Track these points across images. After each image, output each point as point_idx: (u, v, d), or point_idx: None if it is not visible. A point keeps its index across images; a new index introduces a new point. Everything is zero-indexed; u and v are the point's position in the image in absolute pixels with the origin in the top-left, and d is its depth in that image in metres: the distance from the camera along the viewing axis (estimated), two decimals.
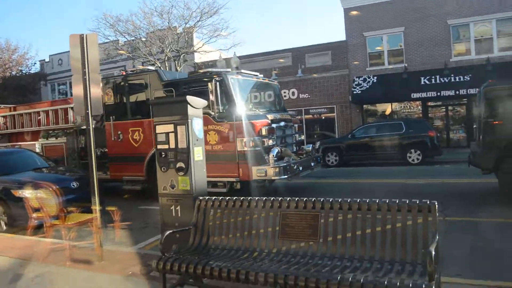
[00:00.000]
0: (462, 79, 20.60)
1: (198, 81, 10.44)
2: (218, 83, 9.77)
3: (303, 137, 12.99)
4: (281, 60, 25.71)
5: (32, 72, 33.49)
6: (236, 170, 9.83)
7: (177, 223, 5.50)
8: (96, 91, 6.15)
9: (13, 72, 31.30)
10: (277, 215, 4.31)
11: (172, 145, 5.59)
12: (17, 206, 8.12)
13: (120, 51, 26.30)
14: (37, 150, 13.18)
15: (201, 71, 11.06)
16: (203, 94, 10.04)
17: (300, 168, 10.40)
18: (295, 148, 11.48)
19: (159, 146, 5.73)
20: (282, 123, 10.95)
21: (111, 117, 11.95)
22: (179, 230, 4.99)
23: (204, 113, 9.73)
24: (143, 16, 25.31)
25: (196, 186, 5.51)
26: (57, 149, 13.31)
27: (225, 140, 9.94)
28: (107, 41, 26.04)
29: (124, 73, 13.21)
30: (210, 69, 10.72)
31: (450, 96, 20.69)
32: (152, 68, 12.49)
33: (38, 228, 7.43)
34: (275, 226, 4.30)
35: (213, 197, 4.76)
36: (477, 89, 10.92)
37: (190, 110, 5.54)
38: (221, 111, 9.85)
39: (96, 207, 5.99)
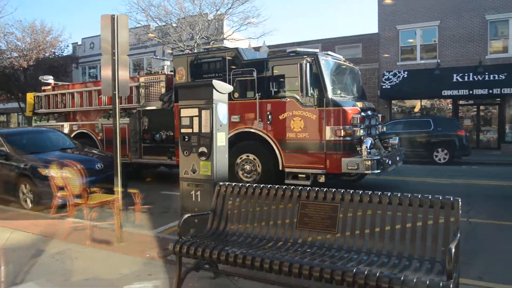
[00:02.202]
0: (496, 78, 19.90)
1: (284, 62, 9.74)
2: (309, 64, 8.94)
3: (385, 128, 12.03)
4: None
5: (65, 54, 34.06)
6: (323, 162, 9.02)
7: (196, 208, 5.54)
8: (124, 73, 6.19)
9: (46, 54, 31.89)
10: (296, 204, 4.26)
11: (196, 130, 5.61)
12: (43, 185, 8.27)
13: (150, 35, 26.49)
14: (97, 131, 12.88)
15: (287, 50, 10.20)
16: (289, 76, 9.54)
17: (390, 163, 9.57)
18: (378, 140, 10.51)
19: (182, 130, 5.76)
20: (370, 112, 10.14)
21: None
22: (197, 214, 5.03)
23: (290, 97, 9.59)
24: (175, 2, 25.43)
25: (217, 171, 5.53)
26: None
27: (313, 128, 9.17)
28: (138, 25, 26.29)
29: (189, 52, 12.20)
30: (296, 49, 9.91)
31: (482, 95, 20.07)
32: (231, 46, 11.51)
33: (62, 208, 7.55)
34: (294, 215, 4.25)
35: (233, 183, 4.73)
36: None
37: (215, 95, 5.54)
38: (309, 95, 9.03)
39: (118, 188, 6.07)
